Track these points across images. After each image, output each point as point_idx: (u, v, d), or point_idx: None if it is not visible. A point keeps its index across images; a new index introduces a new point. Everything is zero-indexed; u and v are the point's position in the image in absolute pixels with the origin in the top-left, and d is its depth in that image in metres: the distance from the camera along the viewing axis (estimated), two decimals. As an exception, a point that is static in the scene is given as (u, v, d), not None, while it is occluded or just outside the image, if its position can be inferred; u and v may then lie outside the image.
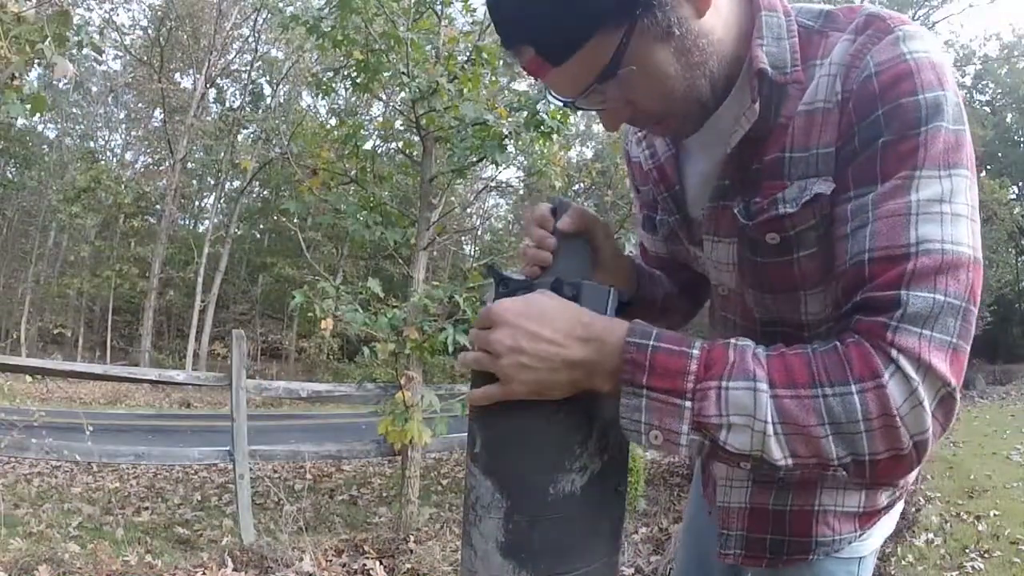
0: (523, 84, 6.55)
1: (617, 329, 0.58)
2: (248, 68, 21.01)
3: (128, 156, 25.45)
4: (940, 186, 0.54)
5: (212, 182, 22.37)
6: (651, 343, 0.55)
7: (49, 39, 2.79)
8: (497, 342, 0.58)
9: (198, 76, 19.73)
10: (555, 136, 4.21)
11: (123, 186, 19.23)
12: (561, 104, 0.64)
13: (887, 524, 0.80)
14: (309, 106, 19.95)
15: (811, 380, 0.53)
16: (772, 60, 0.63)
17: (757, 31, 0.64)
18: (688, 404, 0.53)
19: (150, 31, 20.25)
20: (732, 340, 0.56)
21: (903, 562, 3.57)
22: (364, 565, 3.36)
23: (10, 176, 19.99)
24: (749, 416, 0.52)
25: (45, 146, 21.83)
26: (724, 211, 0.71)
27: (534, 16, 0.58)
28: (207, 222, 22.86)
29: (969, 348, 0.54)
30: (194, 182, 23.77)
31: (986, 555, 3.69)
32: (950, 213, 0.54)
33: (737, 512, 0.81)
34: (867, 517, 0.77)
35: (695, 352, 0.55)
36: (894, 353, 0.52)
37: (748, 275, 0.73)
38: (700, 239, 0.77)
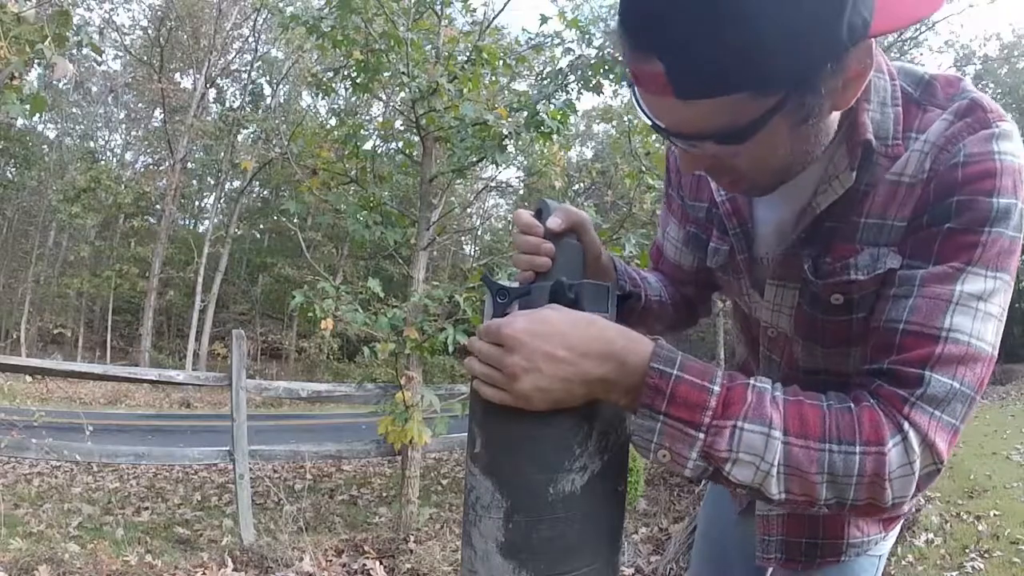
0: (523, 84, 6.56)
1: (639, 349, 0.57)
2: (248, 68, 21.02)
3: (128, 156, 25.48)
4: (984, 284, 0.58)
5: (212, 182, 22.37)
6: (675, 372, 0.55)
7: (49, 39, 2.80)
8: (513, 365, 0.56)
9: (198, 76, 19.73)
10: (555, 136, 4.21)
11: (123, 186, 19.24)
12: (649, 122, 0.57)
13: (900, 522, 0.89)
14: (309, 106, 19.97)
15: (822, 435, 0.56)
16: (876, 129, 0.63)
17: (865, 93, 0.62)
18: (701, 436, 0.55)
19: (150, 31, 20.26)
20: (752, 380, 0.58)
21: (903, 562, 3.57)
22: (364, 565, 3.36)
23: (10, 176, 19.98)
24: (758, 456, 0.55)
25: (45, 146, 21.82)
26: (794, 260, 0.71)
27: (691, 35, 0.48)
28: (207, 222, 22.86)
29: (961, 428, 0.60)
30: (194, 182, 23.76)
31: (986, 555, 3.68)
32: (983, 311, 0.58)
33: (776, 519, 0.86)
34: (891, 520, 0.86)
35: (716, 388, 0.56)
36: (905, 426, 0.56)
37: (803, 327, 0.75)
38: (763, 281, 0.78)
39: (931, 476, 0.58)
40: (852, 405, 0.58)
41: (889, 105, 0.63)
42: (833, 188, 0.65)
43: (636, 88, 0.56)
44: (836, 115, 0.61)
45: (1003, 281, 0.59)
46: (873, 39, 0.53)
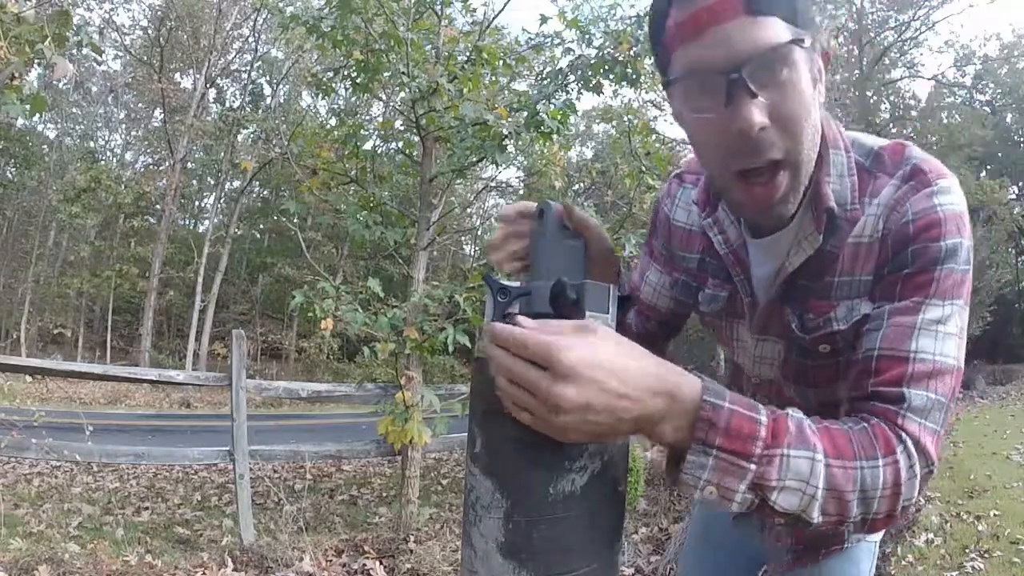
0: (523, 84, 6.56)
1: (689, 382, 0.56)
2: (248, 68, 21.02)
3: (128, 156, 25.49)
4: (941, 312, 0.67)
5: (212, 182, 22.37)
6: (726, 404, 0.56)
7: (49, 39, 2.80)
8: (562, 397, 0.51)
9: (198, 76, 19.74)
10: (555, 136, 4.21)
11: (123, 186, 19.24)
12: (722, 69, 0.63)
13: None
14: (309, 106, 19.98)
15: (853, 454, 0.60)
16: (837, 197, 0.73)
17: (826, 167, 0.73)
18: (752, 467, 0.56)
19: (150, 31, 20.26)
20: (789, 410, 0.61)
21: (903, 562, 3.57)
22: (364, 565, 3.36)
23: (10, 176, 19.98)
24: (803, 482, 0.58)
25: (45, 146, 21.83)
26: (777, 316, 0.82)
27: None
28: (207, 222, 22.87)
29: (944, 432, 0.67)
30: (194, 182, 23.76)
31: (986, 555, 3.68)
32: (943, 332, 0.67)
33: (784, 528, 0.96)
34: None
35: (763, 419, 0.57)
36: (903, 435, 0.63)
37: (793, 374, 0.86)
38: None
39: (927, 478, 0.63)
40: (865, 424, 0.64)
41: (846, 176, 0.74)
42: (803, 248, 0.75)
43: (690, 39, 0.64)
44: (819, 128, 0.72)
45: (957, 306, 0.68)
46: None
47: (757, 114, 0.63)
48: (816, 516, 0.59)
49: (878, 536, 0.98)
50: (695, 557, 1.19)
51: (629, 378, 0.53)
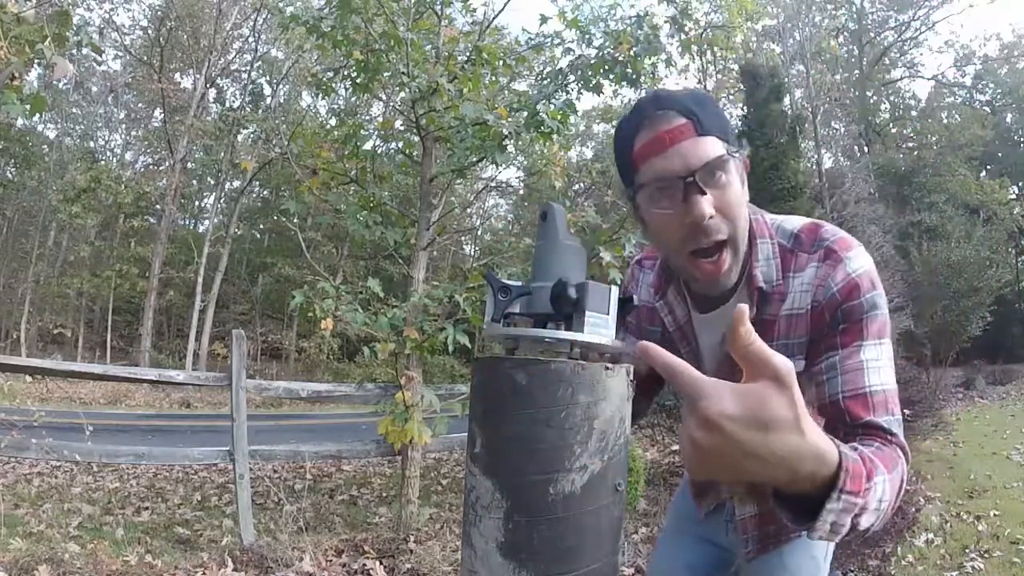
0: (523, 84, 6.56)
1: (827, 442, 0.59)
2: (248, 68, 21.02)
3: (128, 156, 25.48)
4: (875, 351, 0.87)
5: (212, 182, 22.36)
6: (848, 453, 0.61)
7: (49, 39, 2.80)
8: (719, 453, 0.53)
9: (198, 76, 19.73)
10: (555, 136, 4.21)
11: (123, 186, 19.21)
12: (679, 174, 0.83)
13: None
14: (309, 106, 19.98)
15: (890, 468, 0.73)
16: (765, 277, 0.93)
17: (755, 255, 0.93)
18: (860, 501, 0.63)
19: (150, 31, 20.26)
20: (855, 444, 0.75)
21: (903, 562, 3.57)
22: (364, 565, 3.36)
23: (10, 176, 19.97)
24: (880, 501, 0.67)
25: (45, 146, 21.82)
26: (723, 375, 0.89)
27: (699, 109, 0.85)
28: (207, 222, 22.86)
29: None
30: (194, 182, 23.75)
31: (986, 555, 3.69)
32: (879, 366, 0.86)
33: (751, 519, 1.12)
34: None
35: (858, 457, 0.64)
36: (898, 447, 0.81)
37: None
38: None
39: (907, 472, 0.80)
40: (880, 444, 0.80)
41: (771, 259, 0.94)
42: None
43: (654, 154, 0.85)
44: (748, 219, 0.92)
45: (885, 344, 0.88)
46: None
47: (707, 206, 0.83)
48: (871, 527, 0.68)
49: None
50: (670, 546, 1.33)
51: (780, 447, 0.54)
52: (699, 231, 0.85)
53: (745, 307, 0.54)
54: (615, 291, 0.65)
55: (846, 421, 0.84)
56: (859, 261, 0.90)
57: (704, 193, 0.82)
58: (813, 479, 0.58)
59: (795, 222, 0.96)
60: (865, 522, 0.66)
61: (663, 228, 0.88)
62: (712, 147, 0.83)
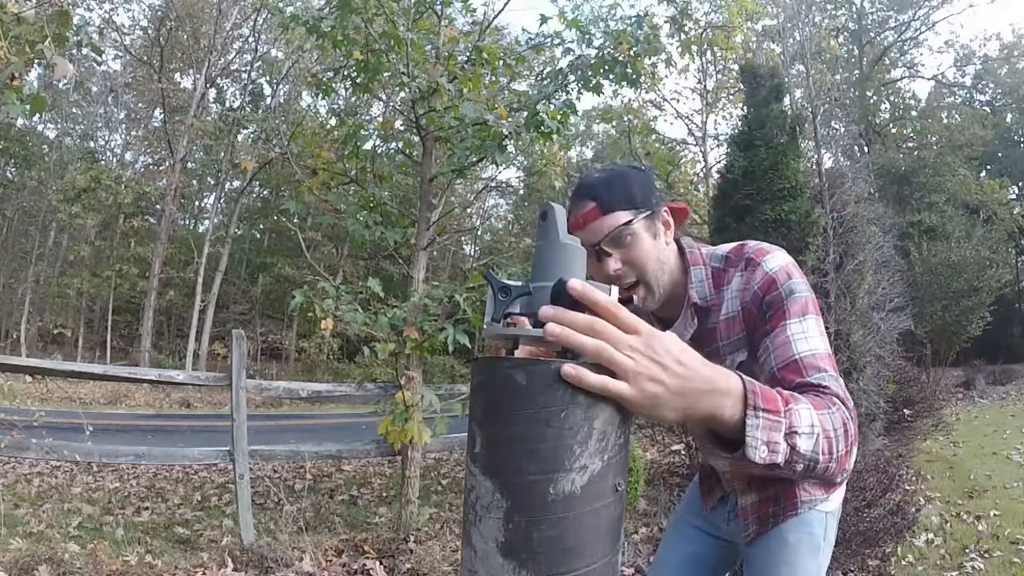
0: (523, 84, 6.55)
1: (726, 372, 0.70)
2: (248, 68, 21.01)
3: (128, 156, 25.48)
4: (800, 326, 1.01)
5: (212, 182, 22.37)
6: (752, 381, 0.72)
7: (49, 39, 2.79)
8: (665, 342, 0.63)
9: (198, 76, 19.73)
10: (555, 136, 4.21)
11: (123, 186, 19.19)
12: (591, 245, 1.07)
13: (840, 492, 1.30)
14: (309, 106, 19.96)
15: (821, 406, 0.82)
16: (699, 295, 1.16)
17: (690, 280, 1.16)
18: (783, 420, 0.72)
19: (150, 31, 20.26)
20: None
21: (903, 562, 3.57)
22: (364, 565, 3.36)
23: (10, 176, 19.97)
24: (811, 426, 0.76)
25: (45, 146, 21.82)
26: None
27: (605, 191, 1.10)
28: (207, 222, 22.88)
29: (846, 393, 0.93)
30: (194, 182, 23.76)
31: (986, 555, 3.69)
32: (807, 335, 1.00)
33: (750, 506, 1.26)
34: (831, 487, 1.24)
35: (763, 386, 0.74)
36: (831, 396, 0.89)
37: None
38: None
39: (854, 422, 0.86)
40: (811, 394, 0.88)
41: (704, 281, 1.16)
42: (688, 329, 1.17)
43: (577, 231, 1.08)
44: (671, 261, 1.16)
45: (811, 318, 1.02)
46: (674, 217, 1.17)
47: (612, 265, 1.10)
48: (820, 456, 0.76)
49: (828, 507, 1.25)
50: (675, 538, 1.47)
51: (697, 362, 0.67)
52: (613, 279, 1.10)
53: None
54: (615, 291, 0.65)
55: (784, 387, 0.89)
56: (774, 261, 1.08)
57: (610, 255, 1.09)
58: (724, 409, 0.67)
59: (724, 248, 1.18)
60: (803, 445, 0.74)
61: (597, 275, 1.12)
62: (615, 219, 1.08)
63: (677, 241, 1.20)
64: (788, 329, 1.01)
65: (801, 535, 1.23)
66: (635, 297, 1.23)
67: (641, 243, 1.10)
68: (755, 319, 1.08)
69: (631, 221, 1.09)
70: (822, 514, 1.25)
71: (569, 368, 0.57)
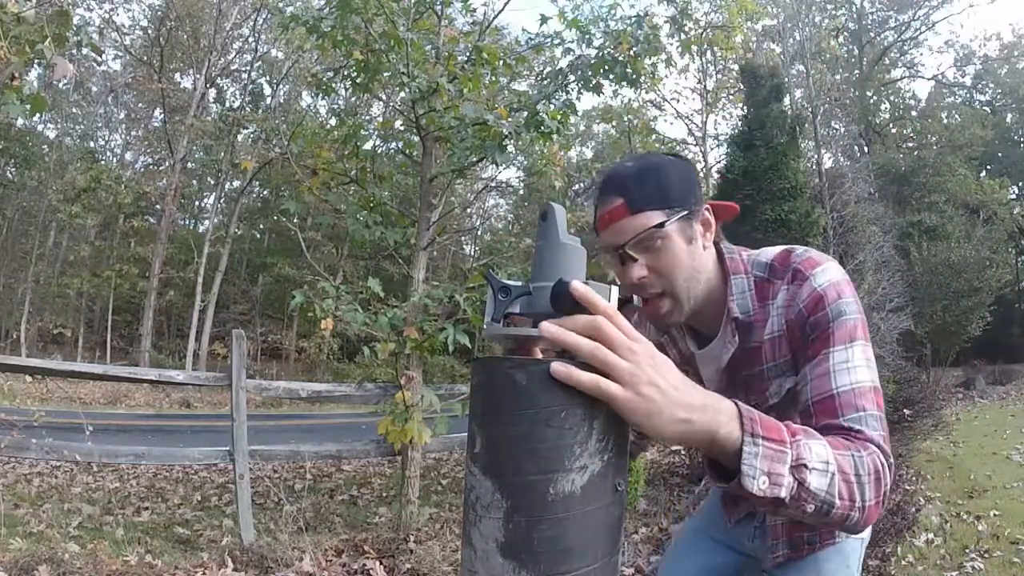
0: (523, 84, 6.56)
1: (719, 396, 0.68)
2: (248, 68, 21.02)
3: (128, 156, 25.50)
4: (845, 353, 0.89)
5: (212, 182, 22.37)
6: (749, 408, 0.68)
7: (49, 39, 2.80)
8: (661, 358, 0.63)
9: (198, 76, 19.74)
10: (555, 136, 4.21)
11: (123, 186, 19.21)
12: (615, 247, 0.97)
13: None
14: (309, 106, 19.97)
15: (843, 446, 0.76)
16: (740, 309, 1.01)
17: (730, 291, 1.02)
18: (789, 451, 0.68)
19: (150, 31, 20.26)
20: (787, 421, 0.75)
21: (903, 562, 3.57)
22: (364, 565, 3.36)
23: (10, 176, 19.97)
24: (825, 462, 0.70)
25: (45, 146, 21.82)
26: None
27: (636, 186, 0.95)
28: (207, 222, 22.88)
29: (888, 436, 0.85)
30: (194, 182, 23.76)
31: (986, 555, 3.69)
32: (852, 367, 0.88)
33: (782, 527, 1.15)
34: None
35: (762, 414, 0.70)
36: (865, 440, 0.81)
37: None
38: None
39: (892, 469, 0.80)
40: (834, 436, 0.80)
41: (746, 292, 1.02)
42: (727, 348, 1.04)
43: (602, 230, 0.98)
44: (710, 267, 1.01)
45: (858, 345, 0.90)
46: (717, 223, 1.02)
47: (636, 271, 0.96)
48: (836, 499, 0.70)
49: (864, 534, 1.16)
50: (687, 549, 1.37)
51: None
52: (636, 288, 0.99)
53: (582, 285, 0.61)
54: (615, 291, 0.65)
55: (813, 425, 0.85)
56: (825, 276, 0.95)
57: (635, 260, 0.97)
58: (721, 426, 0.65)
59: (769, 253, 1.04)
60: (815, 482, 0.68)
61: (620, 280, 1.02)
62: (644, 220, 0.95)
63: (716, 244, 1.05)
64: (831, 358, 0.89)
65: (839, 566, 1.14)
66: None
67: (673, 249, 0.96)
68: (799, 341, 0.96)
69: (663, 223, 0.94)
70: (858, 541, 1.17)
71: (558, 365, 0.57)
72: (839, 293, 0.93)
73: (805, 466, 0.68)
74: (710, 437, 0.64)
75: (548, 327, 0.59)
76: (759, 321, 1.01)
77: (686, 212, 0.96)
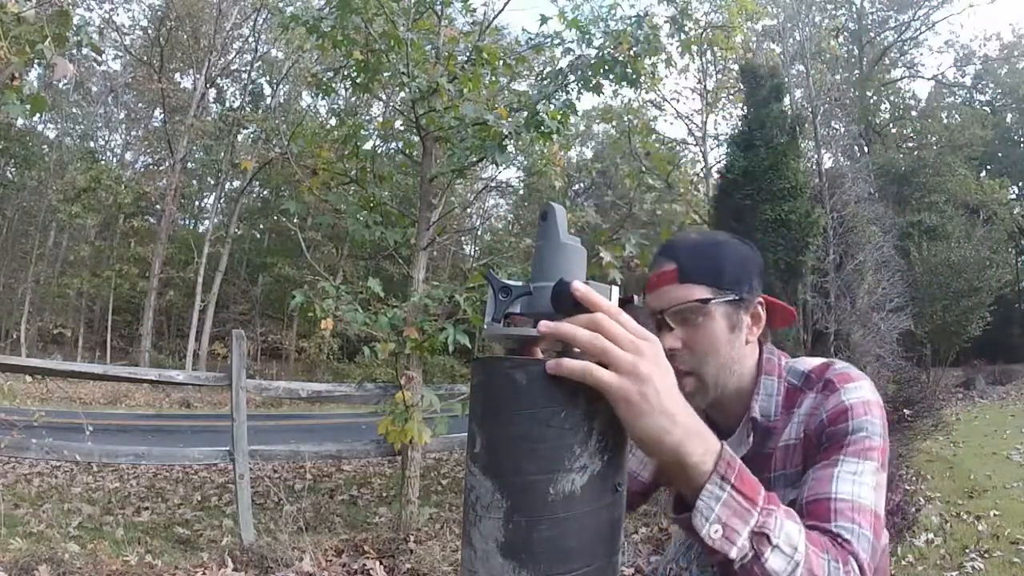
0: (523, 84, 6.56)
1: (713, 435, 0.65)
2: (248, 68, 21.02)
3: (128, 156, 25.51)
4: (856, 466, 0.83)
5: (212, 182, 22.37)
6: (739, 459, 0.65)
7: (49, 39, 2.80)
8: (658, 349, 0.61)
9: (198, 76, 19.74)
10: (555, 136, 4.21)
11: (123, 186, 19.21)
12: (655, 311, 0.96)
13: None
14: (309, 106, 19.97)
15: (823, 548, 0.71)
16: (763, 411, 0.97)
17: (756, 390, 0.98)
18: (757, 514, 0.64)
19: (150, 31, 20.26)
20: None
21: (903, 562, 3.57)
22: (364, 565, 3.36)
23: (10, 176, 19.98)
24: (793, 548, 0.65)
25: (45, 146, 21.82)
26: None
27: (691, 256, 0.95)
28: (207, 222, 22.89)
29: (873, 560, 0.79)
30: (194, 182, 23.76)
31: (986, 555, 3.69)
32: (860, 481, 0.82)
33: None
34: None
35: (760, 485, 0.67)
36: (851, 554, 0.74)
37: None
38: None
39: None
40: (824, 537, 0.75)
41: (774, 396, 0.98)
42: (740, 449, 0.96)
43: (648, 291, 0.97)
44: (747, 364, 0.98)
45: (872, 465, 0.84)
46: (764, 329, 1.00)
47: (669, 340, 0.93)
48: None
49: None
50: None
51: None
52: (668, 356, 0.94)
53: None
54: (615, 291, 0.65)
55: (817, 527, 0.78)
56: (856, 392, 0.90)
57: (672, 329, 0.95)
58: (693, 455, 0.61)
59: (808, 363, 1.00)
60: (773, 562, 0.63)
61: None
62: (690, 292, 0.94)
63: (760, 342, 1.01)
64: (839, 464, 0.84)
65: None
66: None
67: (713, 330, 0.93)
68: (813, 450, 0.90)
69: (708, 300, 0.92)
70: None
71: (551, 362, 0.56)
72: (866, 411, 0.88)
73: (767, 538, 0.63)
74: (678, 458, 0.61)
75: (546, 324, 0.59)
76: (779, 428, 0.96)
77: (736, 298, 0.94)
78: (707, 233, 1.01)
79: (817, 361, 1.00)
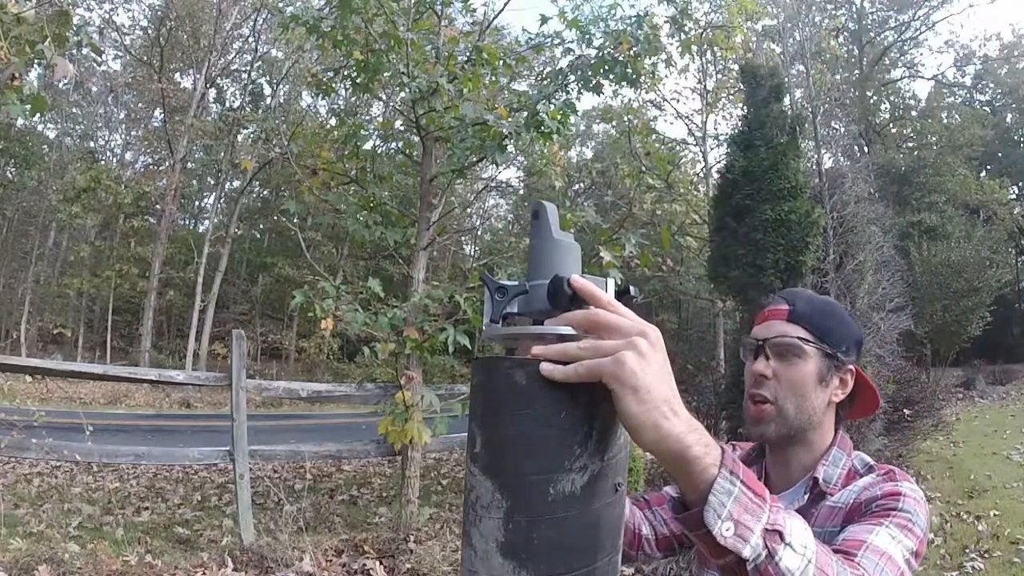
0: (523, 84, 6.56)
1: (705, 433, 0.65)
2: (248, 68, 21.02)
3: (128, 156, 25.51)
4: (897, 533, 0.85)
5: (212, 182, 22.38)
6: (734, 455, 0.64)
7: (49, 39, 2.80)
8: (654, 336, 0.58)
9: (198, 76, 19.74)
10: (555, 136, 4.21)
11: (123, 186, 19.22)
12: (757, 339, 1.06)
13: None
14: (309, 106, 19.98)
15: (829, 554, 0.70)
16: (826, 476, 1.02)
17: (826, 456, 1.04)
18: (767, 511, 0.63)
19: (150, 31, 20.26)
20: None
21: (903, 562, 3.56)
22: (364, 565, 3.36)
23: (10, 176, 19.98)
24: (804, 546, 0.65)
25: (45, 146, 21.82)
26: None
27: (806, 306, 1.06)
28: (207, 222, 22.90)
29: None
30: (194, 182, 23.77)
31: (986, 555, 3.69)
32: (896, 543, 0.84)
33: None
34: None
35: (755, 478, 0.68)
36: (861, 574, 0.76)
37: None
38: None
39: None
40: (838, 553, 0.77)
41: (839, 467, 1.04)
42: (793, 505, 0.99)
43: (757, 323, 1.08)
44: (826, 424, 1.05)
45: (909, 543, 0.85)
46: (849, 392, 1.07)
47: (761, 365, 1.04)
48: None
49: None
50: None
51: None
52: (756, 382, 1.05)
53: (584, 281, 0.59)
54: (611, 284, 0.65)
55: None
56: (913, 491, 0.94)
57: (768, 358, 1.03)
58: (694, 448, 0.59)
59: (872, 461, 1.07)
60: (787, 560, 0.62)
61: (746, 372, 1.08)
62: (793, 330, 1.03)
63: (838, 415, 1.08)
64: (881, 525, 0.87)
65: None
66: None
67: (804, 371, 1.02)
68: (856, 515, 0.93)
69: (809, 342, 1.02)
70: None
71: (546, 364, 0.56)
72: (916, 507, 0.92)
73: (780, 535, 0.62)
74: (680, 449, 0.58)
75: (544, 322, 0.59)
76: (832, 495, 1.01)
77: (832, 354, 1.02)
78: (826, 298, 1.12)
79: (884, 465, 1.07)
